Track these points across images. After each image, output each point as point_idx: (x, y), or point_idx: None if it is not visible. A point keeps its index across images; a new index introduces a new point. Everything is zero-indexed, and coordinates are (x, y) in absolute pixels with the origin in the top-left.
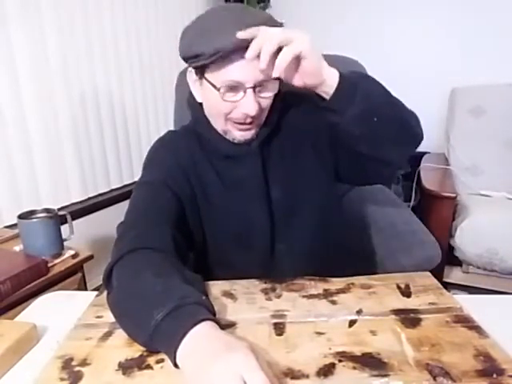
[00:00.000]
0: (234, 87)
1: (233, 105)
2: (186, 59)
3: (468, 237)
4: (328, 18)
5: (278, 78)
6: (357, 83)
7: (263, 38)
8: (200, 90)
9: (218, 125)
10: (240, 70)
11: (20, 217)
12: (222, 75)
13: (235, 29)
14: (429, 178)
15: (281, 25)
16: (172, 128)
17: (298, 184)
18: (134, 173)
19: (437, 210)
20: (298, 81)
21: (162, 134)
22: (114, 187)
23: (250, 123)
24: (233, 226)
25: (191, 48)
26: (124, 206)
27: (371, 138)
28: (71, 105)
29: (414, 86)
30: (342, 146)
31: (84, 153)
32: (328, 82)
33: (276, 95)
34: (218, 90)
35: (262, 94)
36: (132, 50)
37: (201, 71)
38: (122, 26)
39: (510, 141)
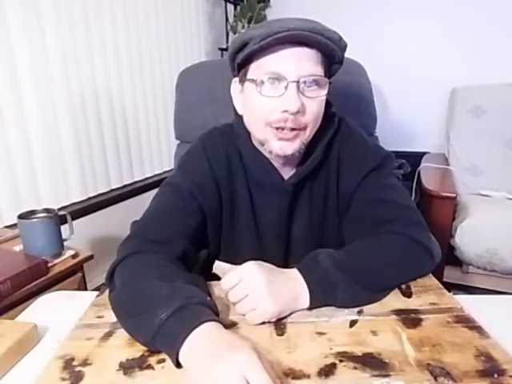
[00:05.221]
0: (276, 81)
1: (272, 103)
2: (233, 54)
3: (468, 237)
4: (328, 18)
5: (330, 82)
6: (334, 284)
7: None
8: (241, 99)
9: (257, 133)
10: (284, 62)
11: (20, 217)
12: (264, 66)
13: (296, 21)
14: (429, 177)
15: (346, 46)
16: (172, 128)
17: (319, 226)
18: (133, 173)
19: (437, 210)
20: None
21: (161, 134)
22: (114, 187)
23: (291, 131)
24: (248, 249)
25: (243, 36)
26: (124, 205)
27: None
28: (71, 104)
29: (414, 86)
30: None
31: (84, 153)
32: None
33: (326, 125)
34: (258, 84)
35: (306, 93)
36: (132, 50)
37: (244, 72)
38: (122, 25)
39: (510, 141)
